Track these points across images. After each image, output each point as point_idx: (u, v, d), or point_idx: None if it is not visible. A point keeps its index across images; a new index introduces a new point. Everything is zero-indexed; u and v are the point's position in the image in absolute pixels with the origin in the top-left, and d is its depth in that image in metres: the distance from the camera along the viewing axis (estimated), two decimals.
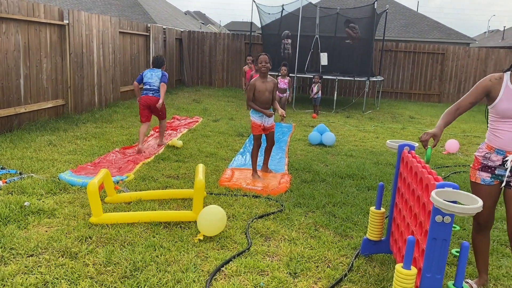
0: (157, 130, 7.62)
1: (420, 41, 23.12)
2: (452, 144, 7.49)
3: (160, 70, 6.38)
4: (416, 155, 2.98)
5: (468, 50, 15.37)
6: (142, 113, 6.28)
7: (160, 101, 6.18)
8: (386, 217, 3.89)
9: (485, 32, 43.14)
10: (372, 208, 3.31)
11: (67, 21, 8.14)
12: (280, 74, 9.98)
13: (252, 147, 5.47)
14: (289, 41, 12.91)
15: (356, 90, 15.15)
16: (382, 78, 13.82)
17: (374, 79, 12.69)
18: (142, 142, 6.17)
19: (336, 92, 12.25)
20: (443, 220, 2.32)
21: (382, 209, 3.30)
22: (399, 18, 26.17)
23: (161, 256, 3.12)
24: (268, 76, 5.17)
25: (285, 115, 5.24)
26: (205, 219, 3.41)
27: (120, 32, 10.41)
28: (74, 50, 8.34)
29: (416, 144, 3.19)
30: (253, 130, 5.28)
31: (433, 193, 2.22)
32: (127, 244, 3.27)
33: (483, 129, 10.17)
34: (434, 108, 13.68)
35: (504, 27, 34.90)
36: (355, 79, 12.38)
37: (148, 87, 6.22)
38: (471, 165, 2.95)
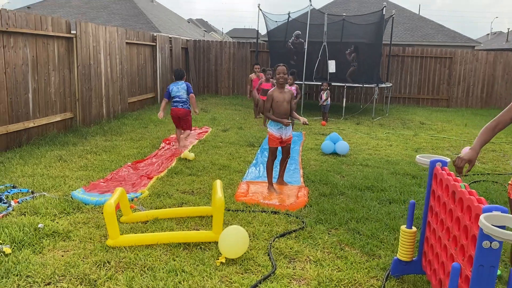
0: (167, 142, 7.53)
1: (424, 44, 22.97)
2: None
3: (183, 82, 6.94)
4: (451, 172, 2.84)
5: (476, 54, 15.21)
6: (174, 122, 7.04)
7: (197, 111, 7.00)
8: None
9: (488, 34, 42.91)
10: (403, 227, 3.15)
11: (75, 32, 8.05)
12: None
13: (267, 160, 5.34)
14: (299, 40, 12.83)
15: (364, 96, 15.00)
16: (391, 84, 13.67)
17: (383, 85, 12.55)
18: (179, 143, 7.07)
19: (344, 99, 12.11)
20: (491, 246, 2.17)
21: (414, 228, 3.14)
22: (403, 22, 26.05)
23: (184, 282, 2.97)
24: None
25: (307, 123, 5.15)
26: (227, 242, 3.27)
27: (127, 42, 10.34)
28: (81, 62, 8.25)
29: (448, 160, 3.04)
30: (270, 143, 5.15)
31: (482, 219, 2.07)
32: (148, 269, 3.13)
33: (497, 135, 9.99)
34: (443, 113, 13.52)
35: (508, 28, 34.71)
36: (364, 86, 12.25)
37: (178, 99, 6.86)
38: (510, 182, 2.79)
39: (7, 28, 6.22)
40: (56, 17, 7.65)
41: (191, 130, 7.07)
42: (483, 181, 6.02)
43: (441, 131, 10.28)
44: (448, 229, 2.70)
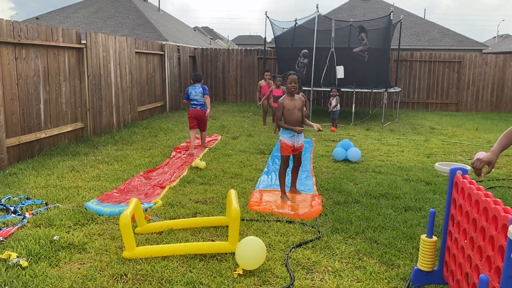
0: (178, 150, 7.54)
1: (431, 49, 22.87)
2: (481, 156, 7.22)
3: (200, 85, 7.54)
4: (473, 181, 2.78)
5: (485, 58, 15.10)
6: (191, 122, 7.49)
7: (208, 111, 7.49)
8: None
9: (495, 37, 42.65)
10: (423, 237, 3.10)
11: (85, 42, 8.11)
12: None
13: (279, 168, 5.31)
14: (306, 60, 12.81)
15: (373, 101, 14.93)
16: (400, 89, 13.61)
17: (392, 90, 12.49)
18: (192, 147, 7.39)
19: (354, 105, 12.06)
20: None
21: (435, 238, 3.09)
22: (409, 27, 25.98)
23: None
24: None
25: (321, 129, 5.12)
26: (245, 253, 3.23)
27: (136, 52, 10.39)
28: (92, 72, 8.30)
29: (469, 168, 2.99)
30: (282, 151, 5.12)
31: (511, 230, 2.02)
32: (165, 282, 3.10)
33: None
34: (453, 118, 13.41)
35: None
36: (373, 91, 12.19)
37: (196, 102, 7.47)
38: None
39: (19, 40, 6.27)
40: (67, 28, 7.71)
41: (206, 130, 7.86)
42: (499, 187, 5.93)
43: (452, 136, 10.18)
44: (472, 239, 2.65)
